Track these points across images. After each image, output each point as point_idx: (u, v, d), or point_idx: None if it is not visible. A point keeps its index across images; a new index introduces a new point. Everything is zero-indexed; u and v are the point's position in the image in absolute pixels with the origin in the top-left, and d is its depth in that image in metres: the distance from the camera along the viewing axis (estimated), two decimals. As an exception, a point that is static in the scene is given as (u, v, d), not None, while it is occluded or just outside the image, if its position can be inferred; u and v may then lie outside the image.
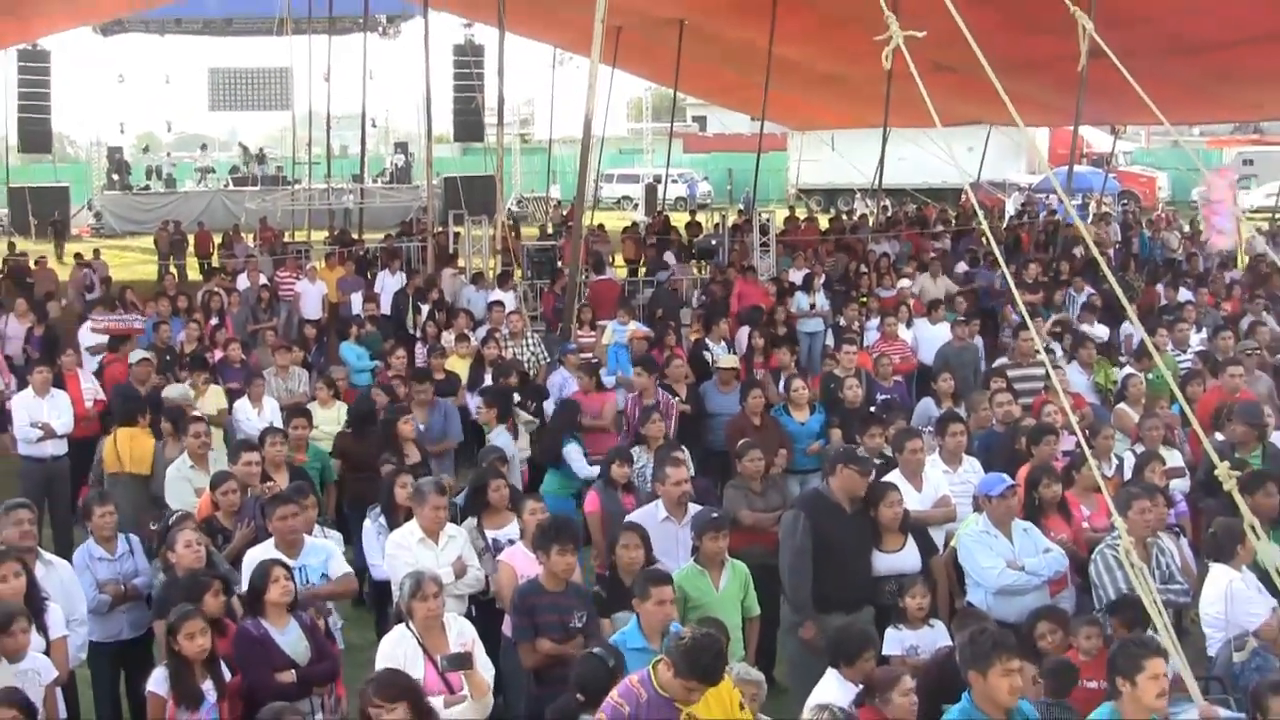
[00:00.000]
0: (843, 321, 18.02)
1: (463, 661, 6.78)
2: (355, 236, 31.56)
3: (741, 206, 40.03)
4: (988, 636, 6.26)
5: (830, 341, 17.91)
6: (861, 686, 6.84)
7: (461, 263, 24.19)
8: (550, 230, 33.59)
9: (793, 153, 51.74)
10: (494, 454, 10.29)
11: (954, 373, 13.45)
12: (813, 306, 19.41)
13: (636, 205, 49.87)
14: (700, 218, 34.68)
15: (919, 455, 9.71)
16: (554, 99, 41.40)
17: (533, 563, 8.08)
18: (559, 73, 41.49)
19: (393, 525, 9.09)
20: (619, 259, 28.64)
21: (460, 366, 14.50)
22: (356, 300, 20.42)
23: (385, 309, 19.90)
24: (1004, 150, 39.98)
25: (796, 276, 21.25)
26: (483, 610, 8.70)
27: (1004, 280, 15.13)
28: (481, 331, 15.98)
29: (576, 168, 17.61)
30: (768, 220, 27.55)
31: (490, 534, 9.09)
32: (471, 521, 9.17)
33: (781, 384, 13.21)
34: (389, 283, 22.00)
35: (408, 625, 7.23)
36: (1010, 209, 40.14)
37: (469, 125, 41.25)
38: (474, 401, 13.08)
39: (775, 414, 12.16)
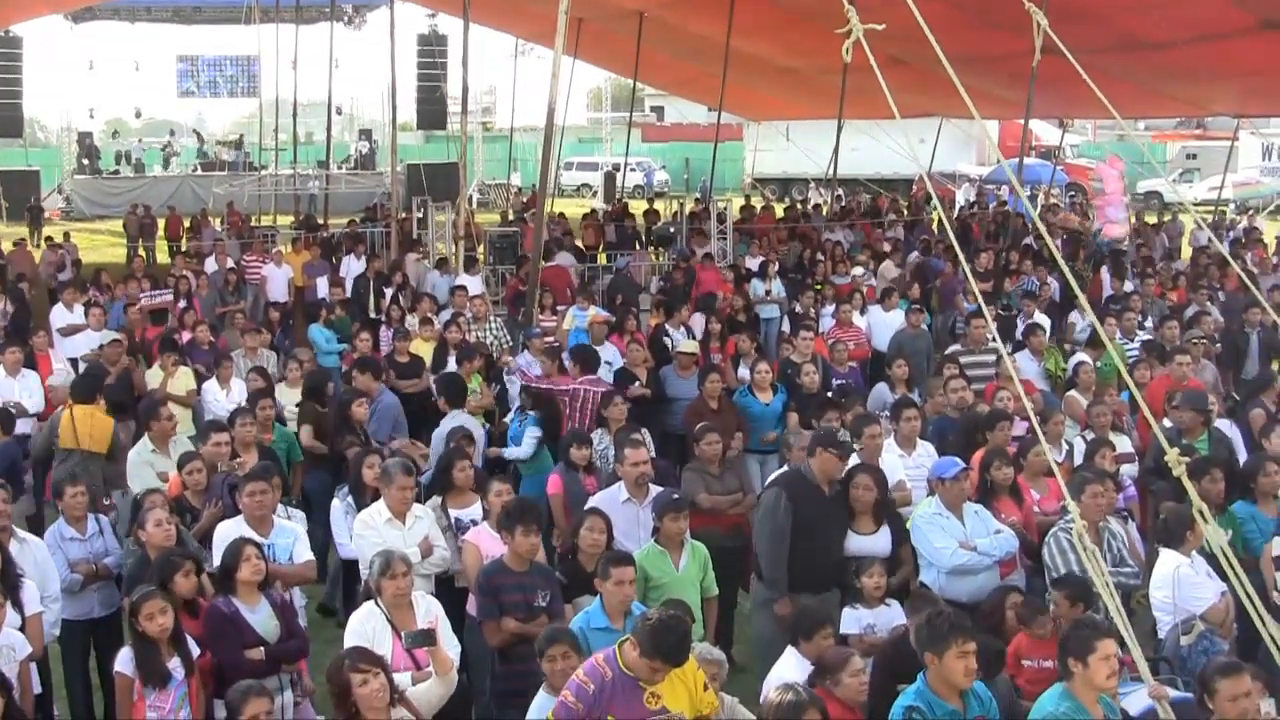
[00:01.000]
0: (798, 308, 18.12)
1: (427, 638, 6.77)
2: (320, 221, 31.54)
3: (698, 195, 40.17)
4: (944, 619, 6.37)
5: (786, 328, 18.09)
6: (814, 668, 6.93)
7: (425, 248, 24.25)
8: (511, 217, 33.65)
9: (749, 143, 51.96)
10: (461, 434, 10.32)
11: (907, 359, 13.52)
12: (768, 293, 19.55)
13: (595, 193, 50.01)
14: (658, 206, 34.77)
15: (876, 440, 9.81)
16: (515, 88, 41.61)
17: (497, 543, 8.12)
18: (520, 63, 41.84)
19: (360, 505, 9.10)
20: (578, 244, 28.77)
21: (424, 350, 14.55)
22: (322, 284, 20.41)
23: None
24: (954, 142, 40.24)
25: (753, 264, 21.41)
26: (447, 589, 8.71)
27: (959, 269, 15.40)
28: (445, 315, 16.02)
29: (537, 155, 17.78)
30: (724, 209, 27.72)
31: (454, 513, 9.12)
32: (436, 501, 9.20)
33: (744, 368, 13.40)
34: (354, 267, 22.00)
35: (377, 603, 7.27)
36: (960, 199, 40.50)
37: (432, 113, 41.09)
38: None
39: (739, 396, 12.33)
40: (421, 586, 7.99)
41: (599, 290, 20.45)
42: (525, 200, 37.68)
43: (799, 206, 36.69)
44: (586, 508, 8.76)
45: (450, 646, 7.20)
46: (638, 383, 13.28)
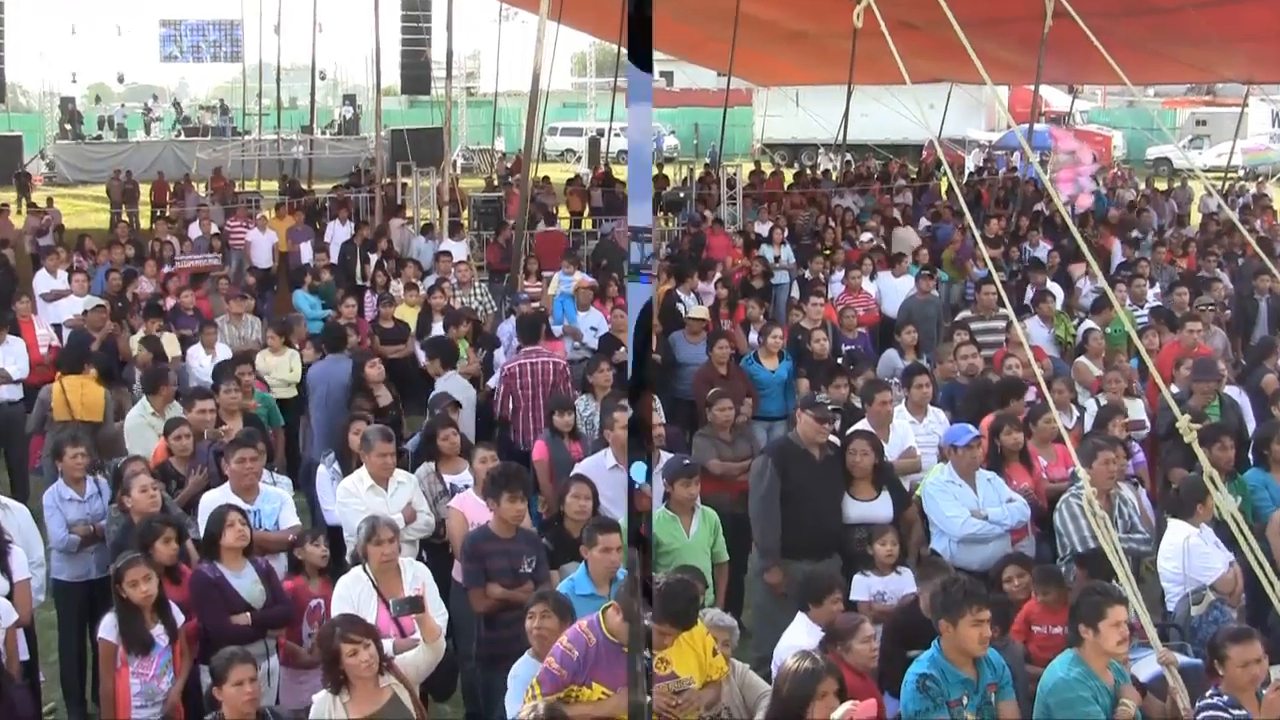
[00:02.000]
0: (808, 274, 18.04)
1: (414, 605, 6.74)
2: (304, 187, 31.44)
3: (708, 160, 40.00)
4: (959, 587, 6.33)
5: (795, 294, 17.93)
6: (824, 634, 6.86)
7: (409, 213, 24.11)
8: (495, 182, 33.48)
9: (758, 108, 51.69)
10: (446, 400, 10.23)
11: (917, 325, 13.53)
12: (777, 259, 19.39)
13: (579, 158, 49.93)
14: (668, 171, 34.55)
15: (887, 407, 9.76)
16: (500, 53, 41.46)
17: (483, 509, 8.12)
18: (505, 27, 41.83)
19: (346, 472, 9.10)
20: (562, 210, 28.58)
21: (409, 315, 14.50)
22: (306, 249, 20.40)
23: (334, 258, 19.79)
24: (963, 108, 40.00)
25: (763, 229, 21.26)
26: (434, 554, 8.67)
27: (970, 235, 15.23)
28: (430, 281, 15.91)
29: (521, 121, 17.71)
30: (734, 174, 27.51)
31: (449, 479, 9.13)
32: (429, 467, 9.21)
33: (753, 334, 13.22)
34: (339, 233, 22.04)
35: (364, 569, 7.25)
36: (970, 165, 40.25)
37: (416, 78, 41.12)
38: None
39: (746, 362, 12.27)
40: (406, 552, 8.02)
41: (584, 255, 20.32)
42: (509, 166, 37.49)
43: (809, 172, 36.51)
44: (572, 474, 8.75)
45: (438, 614, 7.15)
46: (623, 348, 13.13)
